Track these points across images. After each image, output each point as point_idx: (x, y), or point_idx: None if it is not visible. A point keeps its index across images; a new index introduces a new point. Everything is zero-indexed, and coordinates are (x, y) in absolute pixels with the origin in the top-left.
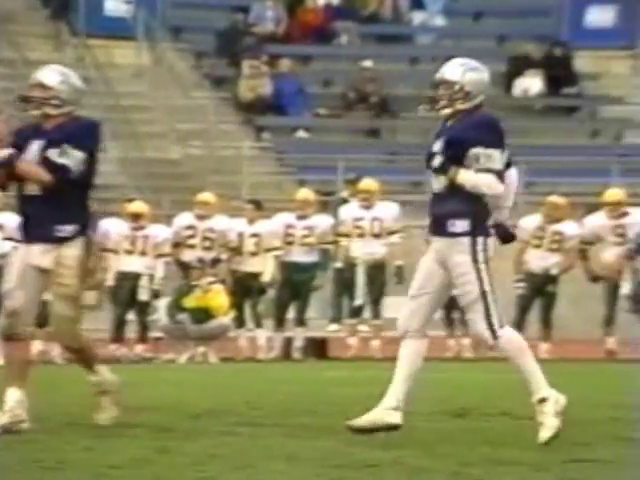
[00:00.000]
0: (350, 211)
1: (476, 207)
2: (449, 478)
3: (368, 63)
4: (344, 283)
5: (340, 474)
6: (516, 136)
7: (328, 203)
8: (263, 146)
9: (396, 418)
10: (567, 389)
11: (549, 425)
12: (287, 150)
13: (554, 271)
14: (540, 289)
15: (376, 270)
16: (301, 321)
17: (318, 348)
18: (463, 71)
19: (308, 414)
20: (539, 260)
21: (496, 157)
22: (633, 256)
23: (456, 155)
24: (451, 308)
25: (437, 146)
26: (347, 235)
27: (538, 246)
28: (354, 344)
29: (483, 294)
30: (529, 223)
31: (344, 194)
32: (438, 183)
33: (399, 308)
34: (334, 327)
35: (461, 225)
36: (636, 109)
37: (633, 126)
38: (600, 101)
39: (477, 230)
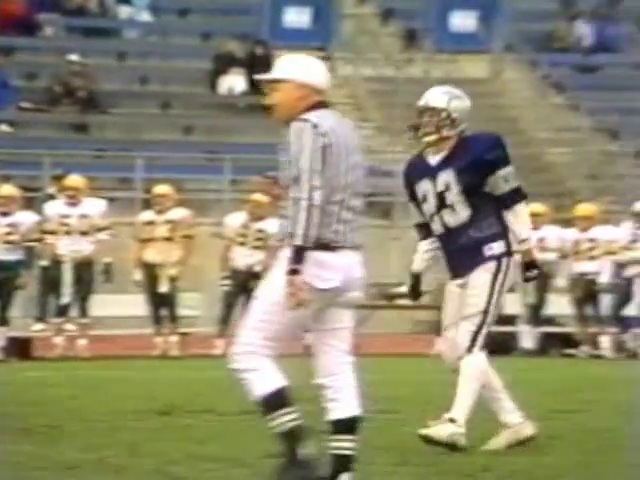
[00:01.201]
0: (56, 208)
1: (505, 228)
2: (151, 476)
3: (74, 57)
4: (50, 281)
5: (41, 476)
6: (221, 134)
7: (33, 199)
8: None
9: (529, 428)
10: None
11: (435, 432)
12: None
13: (257, 268)
14: (244, 286)
15: (83, 268)
16: (3, 320)
17: (21, 348)
18: (449, 99)
19: (7, 416)
20: (244, 257)
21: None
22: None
23: (475, 181)
24: (159, 306)
25: (441, 183)
26: (53, 232)
27: (243, 244)
28: (60, 343)
29: (485, 311)
30: (234, 221)
31: (50, 190)
32: (455, 218)
33: (106, 306)
34: (39, 326)
35: (498, 247)
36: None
37: None
38: None
39: (506, 251)
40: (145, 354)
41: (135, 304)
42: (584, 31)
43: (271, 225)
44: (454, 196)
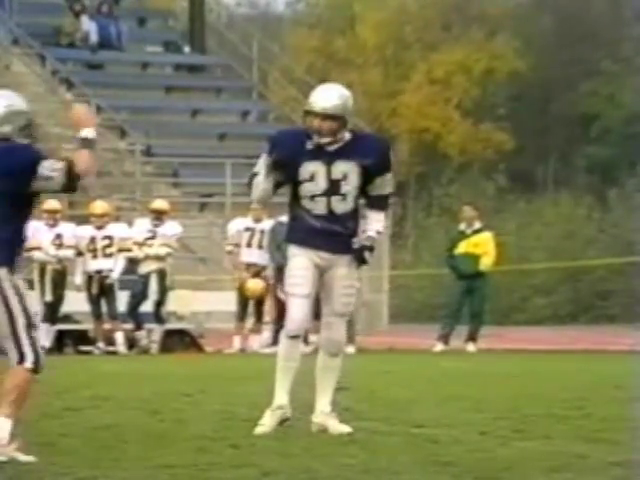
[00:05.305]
0: None
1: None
2: None
3: None
4: None
5: None
6: None
7: None
8: None
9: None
10: None
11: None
12: None
13: None
14: None
15: None
16: None
17: None
18: (343, 104)
19: None
20: None
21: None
22: None
23: (368, 179)
24: None
25: (338, 171)
26: None
27: None
28: None
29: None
30: None
31: None
32: (343, 206)
33: None
34: None
35: (356, 242)
36: None
37: None
38: None
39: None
40: None
41: None
42: (89, 28)
43: None
44: (350, 188)
